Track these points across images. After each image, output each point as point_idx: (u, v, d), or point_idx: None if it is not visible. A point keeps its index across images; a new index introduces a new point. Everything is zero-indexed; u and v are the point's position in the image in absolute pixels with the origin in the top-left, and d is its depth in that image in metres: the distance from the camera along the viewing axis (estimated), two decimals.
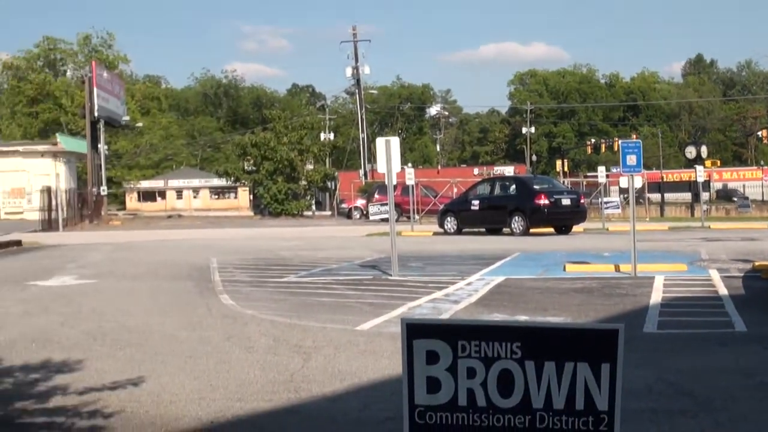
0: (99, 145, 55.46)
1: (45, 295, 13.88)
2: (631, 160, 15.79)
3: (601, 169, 40.40)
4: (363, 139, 71.60)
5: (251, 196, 68.34)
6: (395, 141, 16.63)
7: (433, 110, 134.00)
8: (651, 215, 46.41)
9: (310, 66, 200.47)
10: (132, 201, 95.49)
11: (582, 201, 32.96)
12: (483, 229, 30.80)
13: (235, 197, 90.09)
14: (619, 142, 16.77)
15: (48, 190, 44.65)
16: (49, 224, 42.04)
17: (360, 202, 54.59)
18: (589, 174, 61.16)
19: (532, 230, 29.11)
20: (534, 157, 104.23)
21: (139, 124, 79.90)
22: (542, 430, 3.33)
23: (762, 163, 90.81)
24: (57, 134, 68.55)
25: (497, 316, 11.19)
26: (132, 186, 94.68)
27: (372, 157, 73.03)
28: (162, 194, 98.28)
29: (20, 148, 65.26)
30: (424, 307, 12.15)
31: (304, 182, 62.38)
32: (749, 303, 12.16)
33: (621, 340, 3.24)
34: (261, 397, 7.09)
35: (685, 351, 8.97)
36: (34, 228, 39.96)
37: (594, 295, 13.15)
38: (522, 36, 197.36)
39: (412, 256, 20.68)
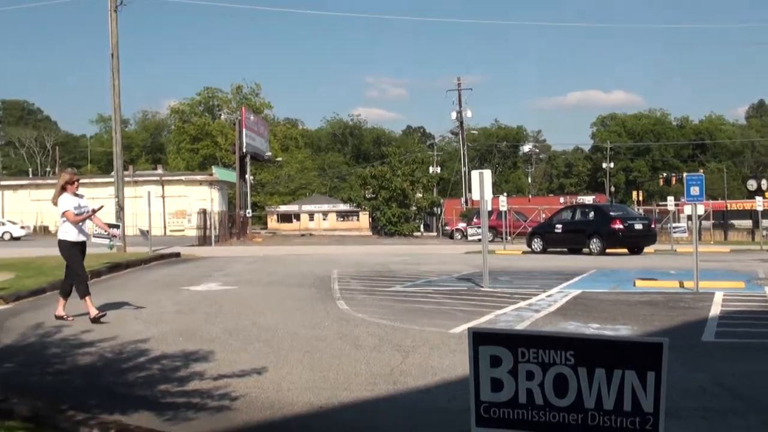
0: (246, 176, 56.66)
1: (194, 297, 14.15)
2: (695, 190, 15.44)
3: (670, 199, 39.89)
4: (464, 172, 71.37)
5: (370, 219, 68.82)
6: (487, 173, 16.47)
7: (526, 148, 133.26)
8: (715, 239, 45.31)
9: (422, 110, 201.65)
10: (272, 222, 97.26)
11: (653, 226, 32.22)
12: (565, 249, 30.27)
13: (357, 220, 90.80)
14: (685, 175, 16.29)
15: (204, 212, 45.83)
16: (204, 240, 43.13)
17: (461, 225, 54.42)
18: (660, 203, 59.67)
19: (608, 251, 28.60)
20: (612, 189, 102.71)
21: (279, 159, 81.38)
22: (593, 428, 3.21)
23: None
24: (213, 167, 70.46)
25: (572, 324, 10.90)
26: (272, 209, 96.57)
27: (470, 187, 72.96)
28: (297, 216, 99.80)
29: (183, 178, 67.32)
30: (509, 314, 11.92)
31: (414, 208, 62.62)
32: None
33: (665, 352, 3.10)
34: (364, 388, 7.05)
35: (738, 358, 8.60)
36: (192, 243, 41.00)
37: (659, 308, 12.71)
38: (604, 85, 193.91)
39: (503, 271, 20.43)
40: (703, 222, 49.10)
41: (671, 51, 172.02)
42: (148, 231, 30.60)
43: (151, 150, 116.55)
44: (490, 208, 37.58)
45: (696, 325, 10.92)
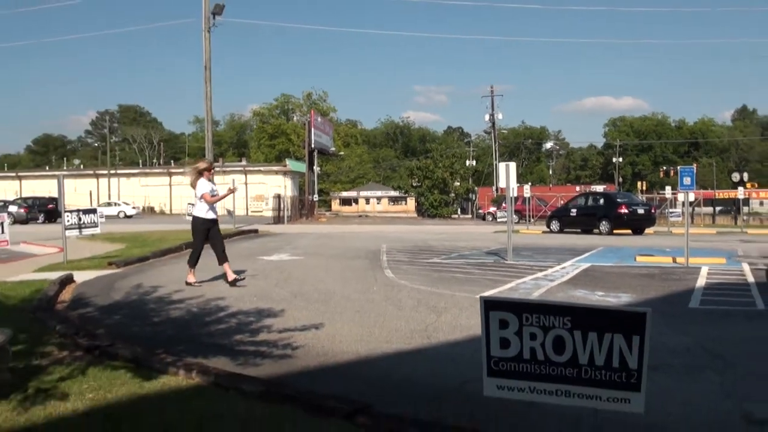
0: (313, 167, 56.92)
1: (267, 266, 14.22)
2: (687, 180, 15.13)
3: (668, 188, 39.46)
4: (495, 165, 70.69)
5: (416, 204, 68.67)
6: (513, 165, 16.22)
7: (548, 145, 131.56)
8: (705, 223, 44.47)
9: (461, 113, 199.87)
10: (335, 205, 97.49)
11: (652, 211, 31.57)
12: (579, 230, 29.81)
13: (405, 204, 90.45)
14: (679, 168, 15.89)
15: (278, 197, 46.17)
16: (278, 219, 43.46)
17: (492, 209, 54.01)
18: (660, 192, 58.53)
19: (615, 231, 28.17)
20: (620, 179, 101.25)
21: (341, 153, 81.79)
22: (587, 380, 3.17)
23: None
24: (286, 159, 70.86)
25: (580, 291, 10.72)
26: (335, 195, 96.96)
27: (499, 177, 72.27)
28: (355, 201, 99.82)
29: (262, 168, 67.88)
30: (528, 283, 11.76)
31: (452, 194, 62.29)
32: None
33: (649, 320, 3.03)
34: (403, 341, 7.03)
35: (719, 322, 8.41)
36: (268, 222, 41.34)
37: (655, 279, 12.45)
38: (615, 92, 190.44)
39: (525, 247, 20.19)
40: (695, 208, 48.26)
41: (671, 62, 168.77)
42: (231, 211, 30.93)
43: (237, 146, 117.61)
44: (515, 195, 37.38)
45: (684, 294, 10.70)
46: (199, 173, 10.93)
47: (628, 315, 3.04)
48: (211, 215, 10.94)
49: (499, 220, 45.20)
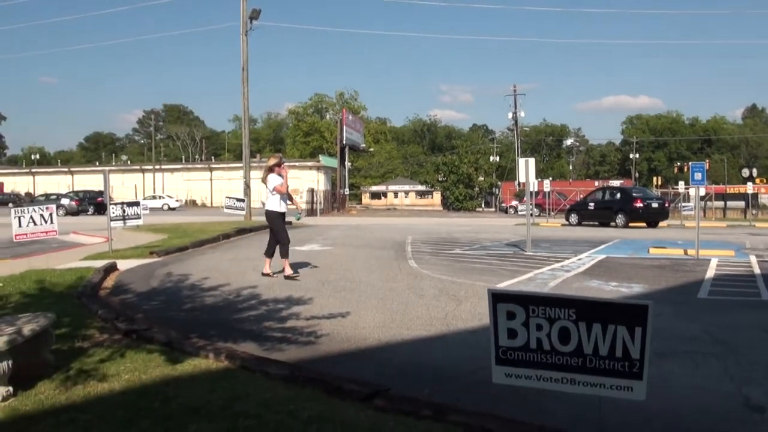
0: (345, 162, 57.01)
1: (299, 256, 14.14)
2: (698, 176, 14.86)
3: (681, 183, 38.92)
4: (517, 160, 70.20)
5: (442, 197, 68.45)
6: (531, 161, 16.05)
7: (568, 141, 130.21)
8: (716, 217, 43.80)
9: (485, 111, 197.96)
10: (365, 198, 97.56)
11: (666, 204, 31.20)
12: (596, 223, 29.46)
13: (432, 197, 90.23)
14: (690, 164, 15.60)
15: (312, 190, 46.34)
16: (311, 212, 43.62)
17: (514, 203, 53.77)
18: (674, 187, 57.64)
19: (630, 224, 27.86)
20: (637, 175, 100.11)
21: (371, 149, 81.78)
22: (591, 369, 3.11)
23: None
24: (320, 155, 71.02)
25: (595, 282, 10.58)
26: (366, 189, 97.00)
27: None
28: (384, 194, 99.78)
29: (296, 163, 68.08)
30: (545, 273, 11.63)
31: (477, 189, 61.99)
32: None
33: (651, 312, 2.96)
34: (423, 328, 6.99)
35: (725, 312, 8.27)
36: (302, 214, 41.49)
37: (666, 270, 12.26)
38: (632, 91, 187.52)
39: (544, 239, 20.01)
40: (707, 202, 47.50)
41: (685, 63, 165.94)
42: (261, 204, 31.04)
43: (274, 142, 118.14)
44: (536, 190, 37.06)
45: (694, 284, 10.53)
46: (270, 169, 10.75)
47: (631, 307, 2.98)
48: (282, 208, 10.83)
49: (520, 213, 44.99)
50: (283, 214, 10.88)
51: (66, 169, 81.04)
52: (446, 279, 10.67)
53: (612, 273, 11.80)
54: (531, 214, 36.29)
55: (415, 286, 9.92)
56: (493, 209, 63.29)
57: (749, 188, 37.32)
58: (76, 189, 60.77)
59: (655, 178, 78.91)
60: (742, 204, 51.07)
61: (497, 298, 3.18)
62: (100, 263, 11.52)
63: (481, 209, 62.41)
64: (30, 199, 53.38)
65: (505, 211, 54.01)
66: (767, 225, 31.68)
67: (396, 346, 6.25)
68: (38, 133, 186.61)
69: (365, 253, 14.80)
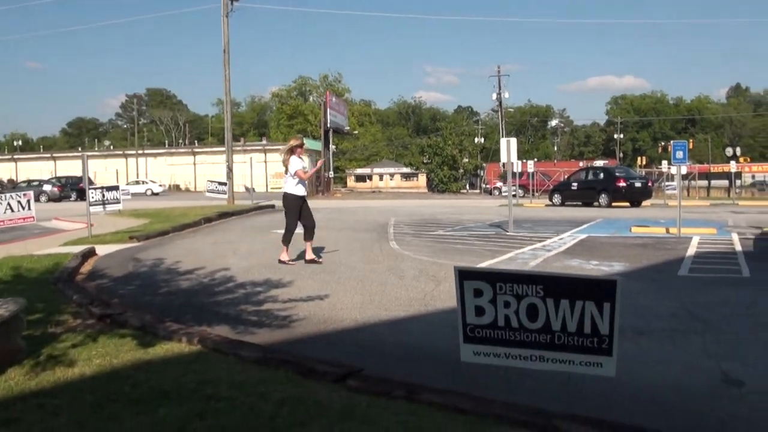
0: (329, 146, 56.71)
1: (277, 239, 14.07)
2: (679, 154, 14.87)
3: (665, 163, 39.22)
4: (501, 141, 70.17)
5: (426, 179, 68.39)
6: (513, 141, 15.99)
7: (553, 122, 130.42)
8: (700, 195, 44.11)
9: (471, 93, 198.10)
10: (351, 181, 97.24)
11: (649, 184, 31.34)
12: (580, 203, 29.55)
13: (417, 180, 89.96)
14: (672, 142, 15.60)
15: None
16: None
17: (498, 184, 53.70)
18: (658, 166, 57.95)
19: (613, 204, 27.94)
20: (621, 155, 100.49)
21: (356, 132, 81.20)
22: (560, 345, 3.07)
23: None
24: (304, 138, 70.69)
25: (575, 261, 10.59)
26: (351, 172, 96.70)
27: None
28: (369, 177, 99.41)
29: (281, 147, 67.37)
30: (526, 253, 11.62)
31: (461, 170, 62.00)
32: (755, 257, 11.19)
33: (619, 288, 2.91)
34: (401, 309, 6.95)
35: (705, 289, 8.29)
36: None
37: (648, 248, 12.31)
38: (618, 71, 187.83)
39: (527, 219, 20.02)
40: (691, 181, 47.81)
41: (670, 42, 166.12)
42: (250, 188, 30.88)
43: (258, 126, 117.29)
44: (520, 171, 37.03)
45: (675, 262, 10.57)
46: (291, 151, 10.38)
47: (599, 283, 2.93)
48: (302, 191, 10.47)
49: (504, 194, 44.96)
50: (302, 198, 10.46)
51: (49, 155, 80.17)
52: (427, 260, 10.63)
53: (593, 252, 11.81)
54: (515, 195, 36.60)
55: (395, 267, 9.87)
56: (477, 191, 63.35)
57: (732, 167, 37.66)
58: (58, 175, 60.10)
59: (639, 158, 79.30)
60: (725, 183, 51.53)
61: (464, 275, 3.13)
62: (78, 249, 11.40)
63: (465, 191, 62.46)
64: (12, 186, 52.71)
65: (490, 193, 54.10)
66: (750, 203, 32.02)
67: (373, 327, 6.21)
68: (21, 120, 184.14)
69: (347, 236, 14.72)
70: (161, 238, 14.42)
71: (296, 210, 10.36)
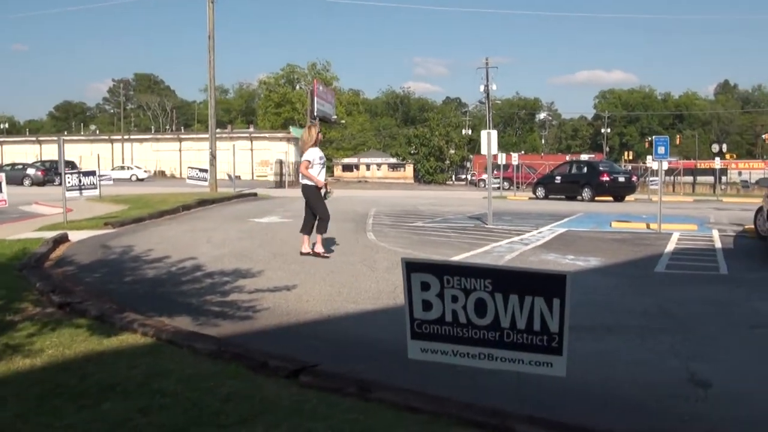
0: None
1: (256, 227, 13.96)
2: (661, 150, 14.74)
3: (649, 158, 39.09)
4: (489, 134, 70.05)
5: (413, 170, 68.20)
6: (494, 133, 15.89)
7: (542, 115, 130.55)
8: (684, 191, 44.15)
9: (460, 84, 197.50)
10: (337, 171, 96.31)
11: (633, 178, 31.30)
12: (563, 197, 29.46)
13: (404, 170, 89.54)
14: (654, 137, 15.49)
15: (280, 162, 45.78)
16: (280, 183, 43.09)
17: (484, 176, 53.59)
18: (645, 161, 58.18)
19: (597, 198, 27.85)
20: (608, 149, 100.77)
21: (343, 121, 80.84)
22: (509, 343, 2.95)
23: (765, 157, 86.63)
24: (290, 126, 70.23)
25: (552, 255, 10.49)
26: (338, 161, 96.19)
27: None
28: (356, 167, 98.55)
29: (267, 135, 67.56)
30: (503, 246, 11.51)
31: (448, 161, 61.93)
32: (735, 254, 11.13)
33: (569, 283, 2.78)
34: (369, 301, 6.84)
35: (680, 286, 8.21)
36: (269, 186, 41.01)
37: (626, 244, 12.24)
38: (606, 65, 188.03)
39: (508, 212, 19.94)
40: (676, 177, 47.98)
41: (660, 37, 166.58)
42: (233, 175, 30.62)
43: (246, 113, 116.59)
44: (504, 163, 36.95)
45: (652, 258, 10.48)
46: (315, 140, 9.81)
47: (548, 277, 2.81)
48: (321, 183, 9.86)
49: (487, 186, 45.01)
50: (318, 188, 9.90)
51: (34, 139, 79.28)
52: (402, 251, 10.51)
53: (571, 246, 11.73)
54: (500, 188, 36.59)
55: (368, 258, 9.75)
56: (464, 182, 63.31)
57: (717, 163, 37.83)
58: (44, 159, 59.46)
59: (626, 153, 79.53)
60: (711, 179, 51.78)
61: (411, 267, 3.00)
62: (51, 234, 11.18)
63: (452, 182, 62.46)
64: None
65: (476, 185, 54.05)
66: (734, 200, 32.02)
67: (338, 320, 6.08)
68: (7, 102, 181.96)
69: None
70: (136, 225, 14.19)
71: (320, 197, 9.82)
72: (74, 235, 11.67)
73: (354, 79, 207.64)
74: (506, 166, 39.68)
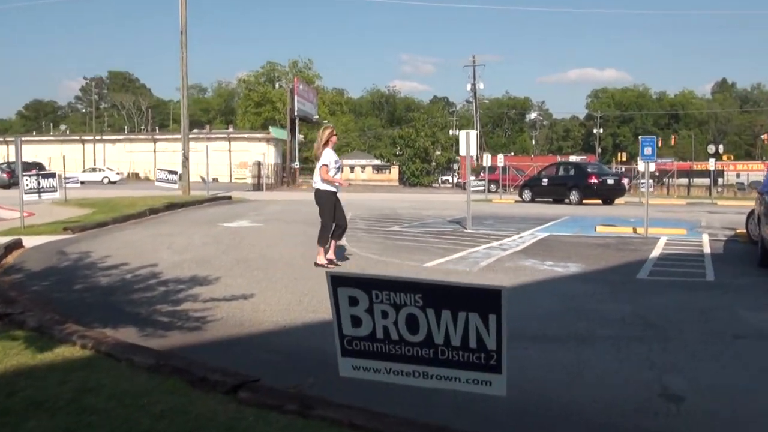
0: (296, 135, 56.30)
1: (223, 232, 13.83)
2: (647, 150, 14.71)
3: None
4: (477, 135, 70.14)
5: (398, 172, 68.15)
6: (473, 133, 15.88)
7: (532, 115, 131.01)
8: (679, 194, 44.28)
9: (448, 83, 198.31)
10: None
11: (622, 181, 31.43)
12: (550, 200, 29.52)
13: (389, 173, 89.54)
14: (640, 138, 15.50)
15: (258, 164, 45.58)
16: (258, 186, 42.88)
17: (471, 178, 53.64)
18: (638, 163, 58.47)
19: (585, 201, 27.91)
20: (600, 150, 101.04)
21: (326, 121, 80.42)
22: (444, 361, 2.88)
23: (764, 158, 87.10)
24: (270, 127, 70.02)
25: (530, 261, 10.46)
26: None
27: (480, 147, 71.81)
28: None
29: (246, 135, 67.26)
30: (480, 252, 11.47)
31: (434, 163, 61.93)
32: (724, 260, 11.10)
33: (505, 298, 2.72)
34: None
35: (662, 293, 8.17)
36: (247, 189, 40.80)
37: (610, 249, 12.23)
38: (599, 63, 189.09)
39: (490, 216, 19.93)
40: (671, 179, 48.18)
41: (654, 34, 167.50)
42: (207, 178, 30.45)
43: (225, 113, 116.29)
44: (490, 164, 36.95)
45: (636, 264, 10.46)
46: (326, 142, 9.59)
47: (483, 292, 2.75)
48: (334, 186, 9.72)
49: (473, 189, 44.97)
50: (334, 194, 9.69)
51: (1, 139, 78.41)
52: (373, 258, 10.46)
53: (551, 252, 11.72)
54: (485, 190, 36.62)
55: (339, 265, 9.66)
56: (450, 185, 63.33)
57: (711, 165, 37.92)
58: (10, 161, 58.85)
59: (619, 154, 79.75)
60: (707, 181, 51.93)
61: (337, 281, 2.94)
62: (4, 240, 10.99)
63: (438, 185, 62.37)
64: None
65: (462, 187, 54.06)
66: (730, 203, 32.11)
67: (294, 331, 6.01)
68: None
69: (296, 230, 14.44)
70: (98, 230, 14.04)
71: (331, 206, 9.63)
72: (30, 241, 11.51)
73: (338, 78, 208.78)
74: (493, 168, 39.71)
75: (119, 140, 74.60)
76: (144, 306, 6.71)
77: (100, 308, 6.58)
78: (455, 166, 67.84)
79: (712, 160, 37.91)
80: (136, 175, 68.08)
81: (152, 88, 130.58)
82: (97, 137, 73.21)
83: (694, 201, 34.20)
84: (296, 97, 54.29)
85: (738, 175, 68.97)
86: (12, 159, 59.78)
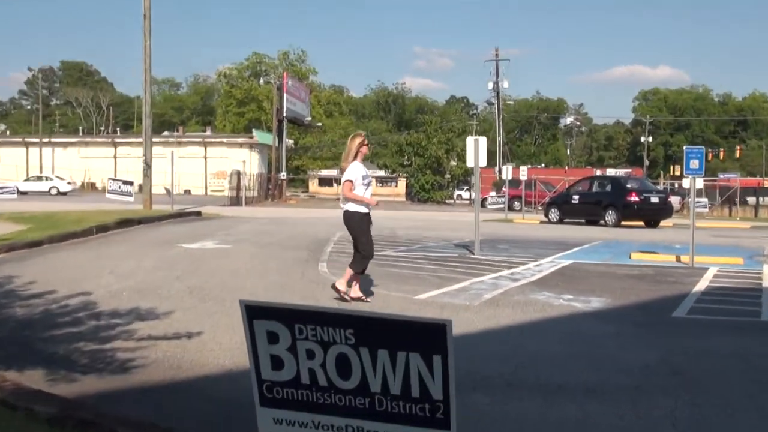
0: (283, 140, 56.42)
1: (181, 255, 13.81)
2: (694, 164, 14.71)
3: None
4: (500, 142, 70.32)
5: (406, 185, 68.14)
6: (482, 140, 15.84)
7: (568, 120, 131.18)
8: (746, 215, 43.97)
9: (467, 81, 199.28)
10: (313, 185, 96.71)
11: (669, 199, 31.29)
12: (582, 220, 29.44)
13: (396, 186, 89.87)
14: (684, 148, 15.48)
15: (237, 173, 45.72)
16: (236, 200, 43.01)
17: (492, 194, 53.67)
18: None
19: (624, 223, 27.80)
20: (648, 162, 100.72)
21: (320, 124, 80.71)
22: (382, 413, 2.79)
23: None
24: (254, 130, 70.36)
25: (543, 294, 10.40)
26: (314, 173, 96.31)
27: (506, 157, 71.87)
28: (337, 181, 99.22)
29: (225, 140, 67.50)
30: (485, 282, 11.43)
31: (448, 175, 61.87)
32: None
33: (450, 334, 2.65)
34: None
35: (701, 335, 8.09)
36: (223, 203, 40.86)
37: (644, 281, 12.16)
38: (650, 60, 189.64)
39: (507, 239, 19.89)
40: (733, 198, 47.88)
41: (718, 28, 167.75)
42: (172, 190, 30.50)
43: (202, 113, 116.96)
44: (511, 178, 36.93)
45: (673, 299, 10.38)
46: (356, 153, 9.47)
47: (423, 327, 2.66)
48: (365, 207, 9.57)
49: (489, 206, 44.82)
50: (366, 215, 9.57)
51: None
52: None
53: (572, 283, 11.66)
54: (506, 208, 36.56)
55: (309, 296, 9.66)
56: (468, 201, 63.30)
57: None
58: None
59: (672, 167, 79.40)
60: None
61: (253, 312, 2.86)
62: None
63: (452, 201, 62.29)
64: None
65: (482, 204, 54.10)
66: None
67: (238, 376, 5.92)
68: None
69: (269, 254, 14.45)
70: (29, 250, 14.06)
71: (367, 230, 9.55)
72: None
73: (337, 74, 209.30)
74: (516, 183, 39.57)
75: (72, 143, 74.98)
76: (63, 344, 6.65)
77: (10, 344, 6.54)
78: (472, 180, 67.93)
79: None
80: (92, 185, 68.34)
81: (114, 83, 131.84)
82: (45, 139, 73.47)
83: (761, 224, 33.94)
84: (285, 94, 54.45)
85: None
86: None
